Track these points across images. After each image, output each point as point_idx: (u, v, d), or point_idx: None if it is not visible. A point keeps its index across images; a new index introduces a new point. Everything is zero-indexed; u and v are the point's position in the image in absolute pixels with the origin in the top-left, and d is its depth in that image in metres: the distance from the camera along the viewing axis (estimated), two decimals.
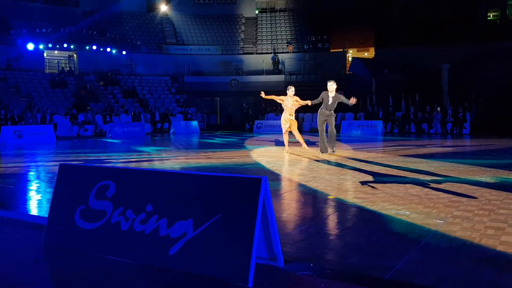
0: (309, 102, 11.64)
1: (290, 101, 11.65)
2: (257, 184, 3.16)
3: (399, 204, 5.44)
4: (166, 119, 26.73)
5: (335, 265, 3.50)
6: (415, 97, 24.18)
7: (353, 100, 10.91)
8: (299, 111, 25.82)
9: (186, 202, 3.43)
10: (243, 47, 36.27)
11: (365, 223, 4.80)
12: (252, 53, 35.42)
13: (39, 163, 11.29)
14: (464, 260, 3.57)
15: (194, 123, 26.25)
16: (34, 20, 30.62)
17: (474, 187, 6.57)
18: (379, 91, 25.81)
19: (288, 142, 12.30)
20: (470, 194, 6.00)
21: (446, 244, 3.95)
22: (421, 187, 6.61)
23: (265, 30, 37.59)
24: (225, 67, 34.12)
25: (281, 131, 12.27)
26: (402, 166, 9.11)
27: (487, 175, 7.69)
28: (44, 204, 5.82)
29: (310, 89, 25.55)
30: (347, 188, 6.79)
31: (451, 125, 21.58)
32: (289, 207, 5.68)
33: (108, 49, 31.70)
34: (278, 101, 11.96)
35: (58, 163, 4.39)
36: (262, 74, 33.05)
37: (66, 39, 30.60)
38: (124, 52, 32.26)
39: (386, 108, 24.30)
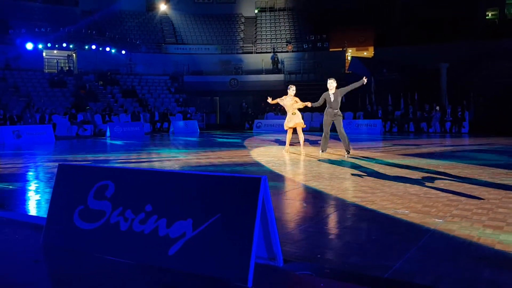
0: (309, 104, 11.50)
1: (288, 100, 11.57)
2: (257, 184, 3.16)
3: (398, 203, 5.44)
4: (165, 119, 26.72)
5: (334, 264, 3.50)
6: (414, 96, 24.20)
7: (364, 80, 10.75)
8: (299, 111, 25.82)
9: (185, 202, 3.43)
10: (243, 46, 36.27)
11: (365, 223, 4.80)
12: (251, 53, 35.42)
13: (38, 163, 11.28)
14: (463, 259, 3.57)
15: (194, 122, 26.25)
16: (33, 19, 30.60)
17: (473, 186, 6.57)
18: (378, 90, 25.82)
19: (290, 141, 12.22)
20: (469, 193, 6.00)
21: (445, 243, 3.95)
22: (420, 186, 6.62)
23: (264, 30, 37.59)
24: (224, 67, 34.12)
25: (281, 131, 12.20)
26: (401, 165, 9.12)
27: (486, 174, 7.70)
28: (43, 204, 5.81)
29: (309, 88, 25.55)
30: (346, 187, 6.79)
31: (450, 124, 21.60)
32: (288, 206, 5.68)
33: (108, 49, 31.68)
34: (280, 102, 11.83)
35: (57, 163, 4.39)
36: (262, 74, 33.05)
37: (65, 39, 30.57)
38: (123, 52, 32.24)
39: (385, 107, 24.32)
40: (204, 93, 32.77)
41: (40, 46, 29.30)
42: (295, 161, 10.40)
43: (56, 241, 3.91)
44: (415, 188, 6.43)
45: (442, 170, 8.31)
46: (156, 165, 10.10)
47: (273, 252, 3.35)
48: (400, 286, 3.10)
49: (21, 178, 8.43)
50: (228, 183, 3.33)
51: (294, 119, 11.50)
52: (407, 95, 24.39)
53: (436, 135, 20.39)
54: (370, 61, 31.04)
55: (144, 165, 9.86)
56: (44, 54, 30.74)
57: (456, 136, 19.49)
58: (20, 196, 6.73)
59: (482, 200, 5.56)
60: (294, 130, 11.75)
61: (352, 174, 8.05)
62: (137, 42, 34.18)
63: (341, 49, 33.72)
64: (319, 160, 10.22)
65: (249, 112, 29.18)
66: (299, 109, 11.67)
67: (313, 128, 24.79)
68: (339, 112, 11.06)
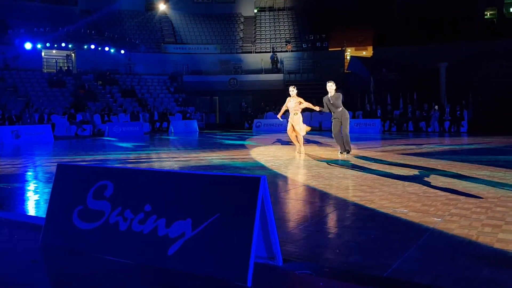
0: (317, 108, 11.40)
1: (292, 103, 11.44)
2: (256, 183, 3.16)
3: (397, 203, 5.44)
4: (165, 119, 26.71)
5: (334, 263, 3.50)
6: (413, 96, 24.22)
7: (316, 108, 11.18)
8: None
9: (184, 202, 3.43)
10: (242, 46, 36.27)
11: (364, 222, 4.80)
12: (251, 52, 35.41)
13: (37, 163, 11.28)
14: (462, 257, 3.57)
15: (193, 122, 26.24)
16: (32, 19, 30.56)
17: (472, 185, 6.58)
18: (377, 89, 25.83)
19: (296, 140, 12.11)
20: (467, 192, 6.00)
21: (444, 242, 3.96)
22: (418, 185, 6.62)
23: (264, 29, 37.59)
24: (224, 66, 34.11)
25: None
26: (400, 164, 9.12)
27: (484, 173, 7.71)
28: (42, 205, 5.81)
29: (309, 88, 25.55)
30: (345, 186, 6.79)
31: (449, 123, 21.61)
32: (287, 206, 5.68)
33: (107, 48, 31.66)
34: (285, 108, 11.65)
35: (56, 163, 4.39)
36: (261, 73, 33.05)
37: (64, 38, 30.54)
38: (122, 51, 32.22)
39: (384, 106, 24.33)
40: (204, 92, 32.76)
41: (39, 45, 29.27)
42: (295, 161, 10.40)
43: (55, 241, 3.91)
44: (414, 187, 6.44)
45: (440, 169, 8.31)
46: (155, 165, 10.10)
47: (273, 251, 3.36)
48: (399, 285, 3.10)
49: (20, 178, 8.42)
50: (227, 182, 3.33)
51: (293, 120, 11.38)
52: (406, 94, 24.40)
53: (435, 134, 20.41)
54: (369, 61, 31.07)
55: (143, 165, 9.85)
56: (43, 54, 30.72)
57: (455, 135, 19.50)
58: (19, 196, 6.73)
59: (480, 199, 5.57)
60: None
61: (351, 174, 8.06)
62: (136, 42, 34.16)
63: (340, 48, 33.73)
64: (318, 160, 10.21)
65: (249, 112, 29.17)
66: (302, 110, 11.60)
67: (313, 128, 24.77)
68: (344, 111, 10.83)
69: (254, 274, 3.01)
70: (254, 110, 29.29)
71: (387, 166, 8.85)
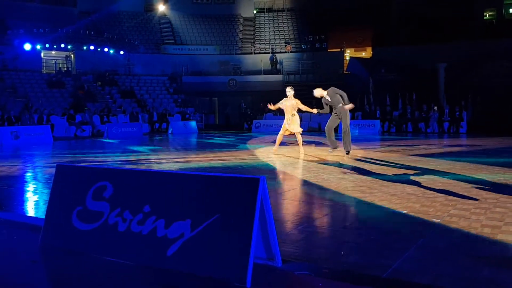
0: (314, 110, 11.42)
1: (289, 103, 11.45)
2: (255, 184, 3.16)
3: (397, 203, 5.44)
4: (164, 119, 26.69)
5: (333, 264, 3.50)
6: (412, 96, 24.22)
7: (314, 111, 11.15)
8: (297, 111, 25.84)
9: (183, 203, 3.43)
10: (241, 47, 36.27)
11: (363, 222, 4.80)
12: (250, 53, 35.41)
13: (36, 164, 11.27)
14: (462, 258, 3.58)
15: (192, 123, 26.23)
16: (31, 20, 30.53)
17: (471, 185, 6.58)
18: (376, 90, 25.84)
19: (280, 143, 12.13)
20: (466, 193, 6.01)
21: (444, 243, 3.96)
22: (418, 186, 6.62)
23: (263, 30, 37.60)
24: (223, 67, 34.10)
25: (279, 131, 12.02)
26: (399, 165, 9.13)
27: (484, 174, 7.71)
28: (41, 205, 5.80)
29: (308, 89, 25.52)
30: (345, 187, 6.79)
31: (448, 124, 21.61)
32: (287, 206, 5.68)
33: (106, 49, 31.64)
34: (281, 106, 11.62)
35: (55, 164, 4.38)
36: (260, 74, 33.04)
37: (64, 39, 30.51)
38: (121, 52, 32.20)
39: (383, 107, 24.34)
40: (203, 93, 32.74)
41: (38, 46, 29.24)
42: (294, 161, 10.40)
43: (54, 242, 3.91)
44: (413, 188, 6.44)
45: (440, 170, 8.31)
46: (155, 166, 10.09)
47: (272, 252, 3.36)
48: (399, 285, 3.10)
49: (19, 179, 8.42)
50: (227, 183, 3.33)
51: (292, 122, 11.38)
52: (405, 95, 24.40)
53: (434, 135, 20.42)
54: (368, 62, 31.07)
55: (142, 166, 9.85)
56: (42, 54, 30.69)
57: (454, 136, 19.52)
58: (18, 197, 6.73)
59: (479, 200, 5.57)
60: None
61: (350, 174, 8.05)
62: (136, 43, 34.14)
63: (339, 49, 33.73)
64: (317, 161, 10.21)
65: (248, 113, 29.15)
66: (300, 111, 11.62)
67: (312, 129, 24.83)
68: (343, 107, 10.78)
69: (253, 274, 3.00)
70: (253, 111, 29.27)
71: (386, 167, 8.85)
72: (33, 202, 6.28)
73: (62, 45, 30.35)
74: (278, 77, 32.47)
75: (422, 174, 7.77)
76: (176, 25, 37.07)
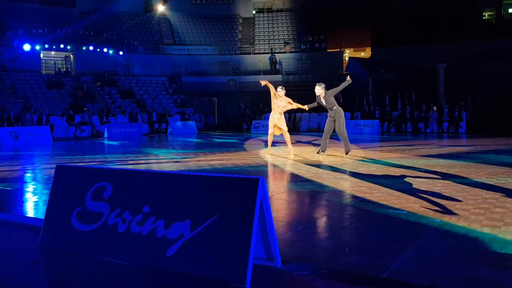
0: (305, 107, 11.47)
1: (283, 103, 11.47)
2: (254, 185, 3.16)
3: (396, 203, 5.44)
4: (163, 120, 26.70)
5: (332, 264, 3.50)
6: (411, 97, 24.24)
7: (348, 79, 10.95)
8: (296, 111, 25.91)
9: (183, 203, 3.43)
10: (241, 47, 36.28)
11: (362, 223, 4.80)
12: (249, 53, 35.41)
13: (36, 165, 11.27)
14: (461, 258, 3.58)
15: (192, 123, 26.23)
16: (30, 21, 30.54)
17: (470, 185, 6.58)
18: (375, 90, 25.85)
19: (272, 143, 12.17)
20: (466, 193, 6.01)
21: (443, 243, 3.96)
22: (417, 186, 6.62)
23: (262, 30, 37.61)
24: (222, 67, 34.11)
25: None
26: (399, 165, 9.13)
27: (483, 174, 7.71)
28: (41, 206, 5.80)
29: (307, 89, 25.53)
30: (344, 187, 6.79)
31: (447, 124, 21.63)
32: (286, 207, 5.68)
33: (105, 50, 31.64)
34: (273, 96, 11.55)
35: (54, 164, 4.38)
36: (260, 74, 32.99)
37: (63, 40, 30.51)
38: (121, 53, 32.20)
39: (382, 107, 24.36)
40: (202, 93, 32.74)
41: (37, 47, 29.24)
42: (293, 162, 10.40)
43: (53, 243, 3.91)
44: (412, 188, 6.44)
45: (439, 170, 8.32)
46: (154, 166, 10.09)
47: (271, 252, 3.36)
48: (398, 286, 3.10)
49: (19, 180, 8.41)
50: (226, 184, 3.33)
51: (279, 121, 11.40)
52: (405, 95, 24.42)
53: (434, 135, 20.43)
54: (368, 62, 31.08)
55: (142, 167, 9.85)
56: (41, 55, 30.68)
57: (453, 136, 19.53)
58: (18, 198, 6.72)
59: (479, 200, 5.57)
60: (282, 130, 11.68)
61: (350, 175, 8.06)
62: (135, 43, 34.15)
63: (338, 49, 33.74)
64: (317, 161, 10.21)
65: (247, 113, 29.16)
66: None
67: (311, 129, 24.84)
68: (338, 110, 10.95)
69: (253, 275, 3.01)
70: (252, 111, 29.28)
71: (386, 167, 8.86)
72: (33, 203, 6.27)
73: (62, 46, 30.35)
74: (278, 77, 32.44)
75: (421, 174, 7.78)
76: (176, 25, 37.08)
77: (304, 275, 3.25)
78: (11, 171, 9.73)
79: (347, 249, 3.81)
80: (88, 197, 3.86)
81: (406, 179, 7.28)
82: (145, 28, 36.70)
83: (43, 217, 4.16)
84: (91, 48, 30.98)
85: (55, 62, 31.22)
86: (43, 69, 30.80)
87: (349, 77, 10.98)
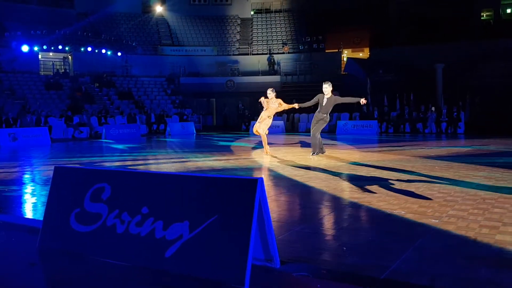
0: (296, 105, 11.36)
1: (275, 105, 11.43)
2: (253, 185, 3.16)
3: (395, 204, 5.45)
4: (162, 121, 26.70)
5: (331, 265, 3.50)
6: (409, 97, 24.27)
7: (363, 101, 10.56)
8: (294, 112, 25.93)
9: (182, 204, 3.43)
10: (239, 48, 36.28)
11: (361, 223, 4.81)
12: (247, 54, 35.42)
13: (34, 166, 11.25)
14: (460, 259, 3.58)
15: (190, 124, 26.23)
16: (28, 22, 30.50)
17: (469, 186, 6.59)
18: (374, 91, 25.87)
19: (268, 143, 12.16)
20: (464, 193, 6.01)
21: (442, 243, 3.96)
22: (416, 186, 6.63)
23: (260, 31, 37.62)
24: (220, 68, 34.11)
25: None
26: (397, 165, 9.13)
27: (482, 174, 7.72)
28: (39, 207, 5.80)
29: (306, 89, 25.59)
30: (342, 188, 6.79)
31: (446, 125, 21.66)
32: (285, 207, 5.68)
33: (103, 51, 31.62)
34: (264, 106, 11.46)
35: (53, 165, 4.38)
36: (258, 75, 33.05)
37: (61, 41, 30.49)
38: (119, 54, 32.19)
39: (381, 108, 24.38)
40: (201, 94, 32.75)
41: (35, 48, 29.22)
42: (291, 162, 10.40)
43: (52, 244, 3.91)
44: (411, 189, 6.44)
45: (438, 170, 8.33)
46: (153, 167, 10.08)
47: (270, 253, 3.36)
48: (397, 286, 3.10)
49: (17, 181, 8.40)
50: (225, 185, 3.33)
51: (265, 121, 11.37)
52: (403, 95, 24.46)
53: (432, 135, 20.45)
54: (366, 62, 31.11)
55: (140, 168, 9.84)
56: (39, 56, 30.66)
57: (452, 136, 19.55)
58: (16, 199, 6.71)
59: (478, 200, 5.58)
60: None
61: (348, 175, 8.06)
62: (133, 44, 34.14)
63: (337, 50, 33.77)
64: (315, 162, 10.21)
65: (246, 114, 29.16)
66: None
67: (310, 130, 24.79)
68: (327, 117, 10.83)
69: (252, 276, 3.01)
70: (251, 112, 29.28)
71: (384, 168, 8.86)
72: (31, 204, 6.27)
73: (60, 47, 30.33)
74: (276, 78, 32.48)
75: (420, 175, 7.78)
76: (174, 26, 37.09)
77: (303, 275, 3.25)
78: (10, 172, 9.72)
79: (344, 248, 3.81)
80: (87, 198, 3.85)
81: (405, 180, 7.28)
82: (143, 29, 36.69)
83: (41, 219, 4.16)
84: (89, 49, 30.97)
85: (53, 63, 31.21)
86: (41, 70, 30.78)
87: (365, 101, 10.70)
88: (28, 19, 30.82)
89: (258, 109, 28.56)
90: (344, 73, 31.84)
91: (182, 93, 32.14)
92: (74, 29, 31.57)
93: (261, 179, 3.18)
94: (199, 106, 32.66)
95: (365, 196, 5.98)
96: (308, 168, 9.18)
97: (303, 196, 6.37)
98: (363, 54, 35.08)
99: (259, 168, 9.51)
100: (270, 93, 11.48)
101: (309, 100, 11.06)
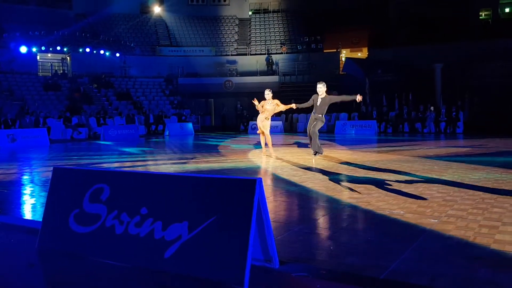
0: (293, 106, 11.27)
1: (272, 106, 11.41)
2: (252, 186, 3.16)
3: (394, 204, 5.45)
4: (160, 121, 26.69)
5: (330, 265, 3.50)
6: (408, 97, 24.29)
7: (358, 98, 10.27)
8: (293, 112, 25.94)
9: (180, 205, 3.43)
10: (237, 48, 36.29)
11: (360, 223, 4.80)
12: (246, 54, 35.44)
13: (33, 167, 11.24)
14: (459, 258, 3.58)
15: (189, 124, 26.23)
16: (27, 23, 30.49)
17: (468, 186, 6.59)
18: (372, 91, 25.89)
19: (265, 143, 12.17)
20: (464, 193, 6.02)
21: (441, 243, 3.96)
22: (415, 186, 6.63)
23: (258, 31, 37.62)
24: (219, 69, 34.12)
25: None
26: (396, 165, 9.13)
27: (481, 174, 7.72)
28: (38, 208, 5.79)
29: (304, 89, 25.57)
30: (341, 188, 6.79)
31: (445, 124, 21.67)
32: (284, 208, 5.68)
33: (102, 52, 31.62)
34: (260, 109, 11.44)
35: (52, 166, 4.37)
36: (256, 75, 33.06)
37: (60, 42, 30.50)
38: (117, 54, 32.19)
39: (380, 108, 24.39)
40: (199, 95, 32.75)
41: (34, 49, 29.22)
42: (290, 163, 10.39)
43: (51, 245, 3.90)
44: (410, 189, 6.44)
45: (436, 170, 8.33)
46: (151, 168, 10.08)
47: (269, 254, 3.35)
48: (396, 286, 3.10)
49: (16, 182, 8.39)
50: (223, 185, 3.33)
51: (264, 123, 11.34)
52: (402, 95, 24.48)
53: (431, 135, 20.46)
54: (364, 62, 31.13)
55: (139, 168, 9.83)
56: (38, 57, 30.65)
57: (451, 136, 19.56)
58: (15, 200, 6.70)
59: (477, 200, 5.58)
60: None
61: (347, 176, 8.06)
62: (131, 45, 34.13)
63: (335, 50, 33.79)
64: (314, 162, 10.21)
65: (244, 114, 29.16)
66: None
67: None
68: (322, 118, 10.58)
69: (251, 276, 3.00)
70: (249, 112, 29.27)
71: (383, 168, 8.86)
72: (30, 205, 6.26)
73: (58, 48, 30.34)
74: (274, 78, 32.50)
75: (419, 175, 7.78)
76: (172, 26, 37.09)
77: (302, 276, 3.25)
78: (9, 173, 9.70)
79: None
80: (86, 199, 3.85)
81: (404, 180, 7.28)
82: (142, 29, 36.69)
83: (40, 219, 4.15)
84: (87, 50, 30.97)
85: (51, 64, 31.19)
86: (40, 71, 30.77)
87: (360, 97, 10.38)
88: (26, 20, 30.81)
89: (256, 110, 28.65)
90: (342, 73, 31.85)
91: (180, 93, 32.14)
92: (73, 30, 31.58)
93: (260, 179, 3.18)
94: (198, 107, 32.66)
95: (364, 196, 5.98)
96: (306, 168, 9.17)
97: (302, 197, 6.37)
98: (362, 54, 35.10)
99: (258, 168, 9.50)
100: (268, 93, 11.48)
101: (307, 100, 10.94)
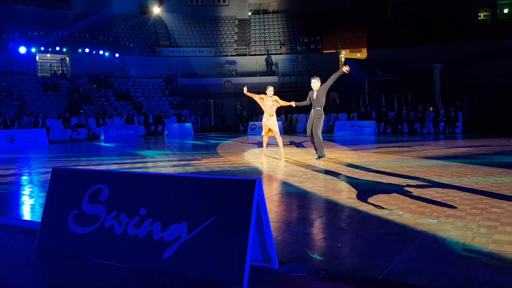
0: (293, 103, 11.20)
1: (269, 101, 11.47)
2: (251, 186, 3.16)
3: (393, 204, 5.45)
4: (159, 122, 26.69)
5: (329, 266, 3.50)
6: (407, 97, 24.30)
7: (346, 68, 9.99)
8: (292, 112, 25.95)
9: (180, 205, 3.43)
10: (237, 48, 36.30)
11: (359, 224, 4.80)
12: (245, 55, 35.45)
13: (32, 168, 11.23)
14: (458, 258, 3.58)
15: (188, 125, 26.22)
16: (26, 23, 30.50)
17: (467, 186, 6.59)
18: (371, 91, 25.90)
19: (267, 144, 12.15)
20: (462, 194, 6.02)
21: (440, 243, 3.96)
22: (414, 186, 6.63)
23: (258, 32, 37.64)
24: (218, 69, 34.13)
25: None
26: (395, 166, 9.14)
27: (480, 174, 7.73)
28: (37, 209, 5.78)
29: (303, 90, 25.54)
30: (341, 189, 6.79)
31: (444, 125, 21.68)
32: (283, 209, 5.68)
33: (101, 52, 31.62)
34: (258, 100, 11.55)
35: (51, 167, 4.37)
36: (256, 76, 33.07)
37: (59, 42, 30.49)
38: (117, 55, 32.18)
39: (379, 108, 24.39)
40: (198, 95, 32.75)
41: (33, 50, 29.21)
42: (290, 163, 10.39)
43: (50, 246, 3.90)
44: (409, 189, 6.45)
45: (435, 170, 8.33)
46: (151, 168, 10.07)
47: (268, 254, 3.35)
48: (395, 286, 3.10)
49: (15, 183, 8.39)
50: (223, 185, 3.33)
51: (269, 121, 11.38)
52: (401, 96, 24.49)
53: (430, 135, 20.46)
54: (364, 63, 31.15)
55: (139, 169, 9.83)
56: (37, 58, 30.65)
57: (450, 136, 19.56)
58: (14, 201, 6.70)
59: (476, 200, 5.58)
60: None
61: (346, 176, 8.06)
62: (131, 45, 34.13)
63: (334, 51, 33.81)
64: (313, 163, 10.20)
65: (244, 114, 29.17)
66: (281, 109, 11.59)
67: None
68: (321, 112, 10.27)
69: (250, 277, 3.00)
70: (249, 113, 29.29)
71: (382, 168, 8.86)
72: (29, 206, 6.25)
73: (57, 48, 30.33)
74: (274, 79, 32.51)
75: (418, 175, 7.79)
76: (171, 27, 37.09)
77: (301, 276, 3.25)
78: (7, 174, 9.70)
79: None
80: (85, 200, 3.85)
81: (403, 180, 7.28)
82: (141, 30, 36.69)
83: (39, 220, 4.15)
84: (87, 50, 30.96)
85: (50, 65, 31.19)
86: (39, 71, 30.77)
87: (347, 68, 10.07)
88: (25, 20, 30.81)
89: (256, 110, 28.67)
90: (345, 70, 31.81)
91: (180, 94, 32.14)
92: (72, 31, 31.56)
93: (259, 179, 3.18)
94: (197, 107, 32.66)
95: (363, 197, 5.98)
96: (306, 168, 9.17)
97: (301, 197, 6.37)
98: (361, 54, 35.12)
99: (257, 169, 9.50)
100: (271, 90, 11.53)
101: (305, 100, 10.84)
